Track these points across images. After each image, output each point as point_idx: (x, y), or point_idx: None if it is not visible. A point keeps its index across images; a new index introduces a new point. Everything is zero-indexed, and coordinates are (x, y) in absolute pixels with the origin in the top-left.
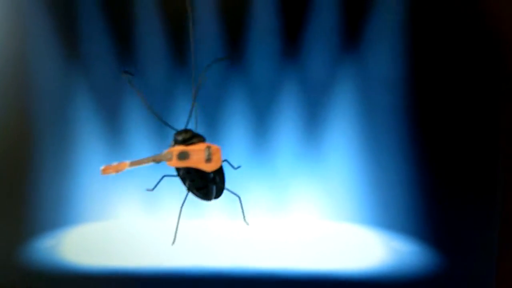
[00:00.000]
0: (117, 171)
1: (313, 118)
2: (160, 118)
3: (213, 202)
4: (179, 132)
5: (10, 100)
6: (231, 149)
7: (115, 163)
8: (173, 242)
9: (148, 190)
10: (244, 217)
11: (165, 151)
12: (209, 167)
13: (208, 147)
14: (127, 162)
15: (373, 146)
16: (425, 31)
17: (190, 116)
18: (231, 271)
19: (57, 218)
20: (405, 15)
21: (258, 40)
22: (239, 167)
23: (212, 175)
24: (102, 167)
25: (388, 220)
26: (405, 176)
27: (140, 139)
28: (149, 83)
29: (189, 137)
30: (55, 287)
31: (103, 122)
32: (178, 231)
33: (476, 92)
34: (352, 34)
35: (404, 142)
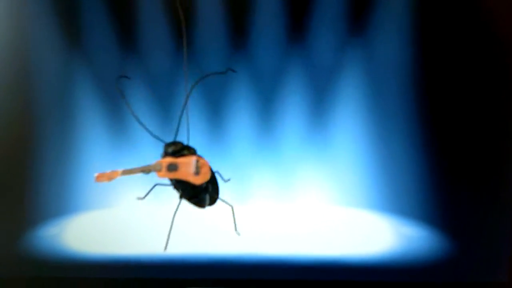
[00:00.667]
0: (109, 179)
1: (320, 103)
2: (148, 130)
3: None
4: (168, 144)
5: (13, 91)
6: (237, 136)
7: (108, 171)
8: (165, 248)
9: (139, 198)
10: (235, 227)
11: (155, 162)
12: (197, 180)
13: (197, 160)
14: (119, 170)
15: (381, 130)
16: (433, 14)
17: (178, 128)
18: (238, 257)
19: (60, 206)
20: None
21: (264, 25)
22: (229, 179)
23: (204, 184)
24: (95, 175)
25: (397, 206)
26: (414, 160)
27: (142, 130)
28: (152, 77)
29: (179, 149)
30: (59, 275)
31: (105, 111)
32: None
33: (485, 76)
34: (358, 18)
35: (413, 126)
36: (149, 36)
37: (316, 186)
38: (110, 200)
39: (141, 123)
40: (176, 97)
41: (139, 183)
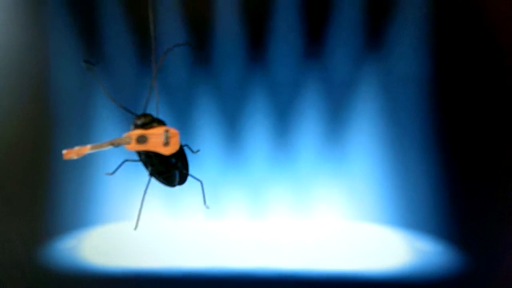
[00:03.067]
0: (78, 155)
1: (336, 117)
2: (121, 105)
3: (178, 188)
4: (138, 117)
5: (32, 106)
6: (253, 149)
7: (76, 147)
8: (135, 228)
9: (107, 174)
10: (204, 200)
11: (124, 135)
12: (166, 151)
13: (166, 131)
14: (88, 146)
15: (396, 145)
16: (448, 29)
17: (147, 101)
18: (253, 272)
19: (78, 219)
20: (428, 14)
21: (281, 38)
22: (198, 151)
23: (173, 160)
24: (64, 151)
25: (413, 221)
26: (429, 175)
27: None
28: (166, 80)
29: (149, 121)
30: (75, 287)
31: (123, 121)
32: (141, 217)
33: (502, 91)
34: (375, 33)
35: (428, 141)
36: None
37: (331, 201)
38: (127, 213)
39: (111, 97)
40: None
41: (157, 197)
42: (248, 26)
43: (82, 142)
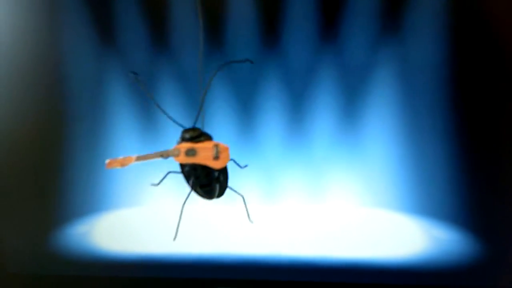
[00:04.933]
0: (122, 165)
1: (351, 103)
2: (168, 116)
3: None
4: (186, 130)
5: (44, 91)
6: (267, 135)
7: (121, 157)
8: (175, 238)
9: (153, 184)
10: (248, 215)
11: (173, 147)
12: (216, 165)
13: (216, 145)
14: (134, 156)
15: (412, 131)
16: (467, 14)
17: (198, 114)
18: (266, 258)
19: (90, 205)
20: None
21: (295, 23)
22: (246, 166)
23: (216, 174)
24: (107, 161)
25: (429, 208)
26: (447, 162)
27: (174, 126)
28: (180, 72)
29: (197, 135)
30: (87, 273)
31: (136, 109)
32: (179, 226)
33: None
34: (391, 17)
35: (445, 127)
36: (175, 31)
37: (346, 187)
38: (139, 198)
39: (161, 109)
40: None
41: (169, 182)
42: (262, 11)
43: (93, 133)
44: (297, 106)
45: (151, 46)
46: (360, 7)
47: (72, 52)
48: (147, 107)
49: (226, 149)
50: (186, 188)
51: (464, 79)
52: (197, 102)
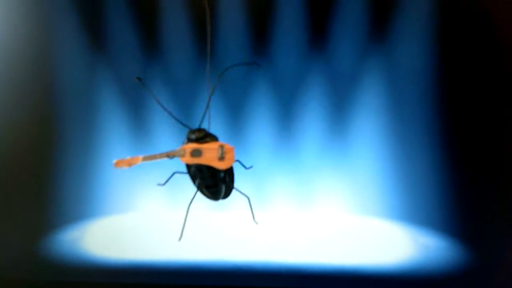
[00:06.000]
0: (129, 165)
1: (340, 110)
2: (173, 116)
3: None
4: (192, 131)
5: (35, 93)
6: (256, 142)
7: (128, 157)
8: (180, 239)
9: (159, 184)
10: (253, 217)
11: (179, 148)
12: (221, 165)
13: (221, 146)
14: (140, 156)
15: (400, 139)
16: (453, 21)
17: (204, 116)
18: (256, 265)
19: (81, 211)
20: (435, 6)
21: (284, 31)
22: (250, 167)
23: (222, 174)
24: (114, 161)
25: (416, 215)
26: (434, 169)
27: (164, 131)
28: (171, 77)
29: (202, 136)
30: (78, 279)
31: (127, 114)
32: (185, 228)
33: (506, 84)
34: (379, 25)
35: (432, 135)
36: (173, 33)
37: (334, 194)
38: (131, 204)
39: (166, 110)
40: (199, 91)
41: (160, 188)
42: (251, 19)
43: (85, 138)
44: (286, 113)
45: (143, 50)
46: (348, 15)
47: (64, 57)
48: (139, 112)
49: (231, 149)
50: (179, 193)
51: (452, 86)
52: (191, 105)
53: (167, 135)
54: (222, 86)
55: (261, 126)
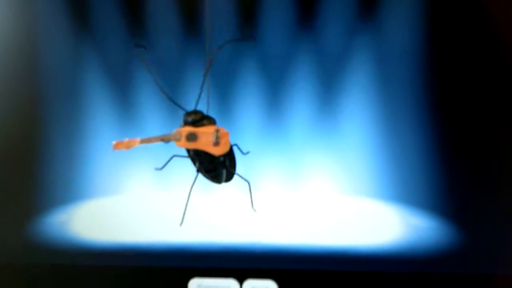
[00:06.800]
0: (127, 147)
1: (329, 89)
2: (170, 98)
3: (224, 184)
4: (189, 113)
5: (20, 77)
6: (244, 123)
7: (126, 139)
8: (181, 223)
9: (157, 169)
10: (252, 203)
11: (174, 131)
12: (216, 151)
13: (217, 130)
14: (138, 139)
15: (390, 118)
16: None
17: (199, 97)
18: (246, 246)
19: (68, 193)
20: None
21: (271, 11)
22: (248, 152)
23: (221, 158)
24: (114, 142)
25: (407, 195)
26: (424, 149)
27: (152, 114)
28: (160, 58)
29: (199, 119)
30: (67, 262)
31: (114, 97)
32: (186, 211)
33: (499, 66)
34: (368, 3)
35: (423, 114)
36: (159, 17)
37: (324, 175)
38: (119, 187)
39: (163, 90)
40: (188, 77)
41: (148, 170)
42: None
43: (72, 120)
44: (273, 94)
45: (130, 30)
46: None
47: (48, 40)
48: (126, 95)
49: (226, 134)
50: (167, 176)
51: (443, 67)
52: (182, 86)
53: (155, 118)
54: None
55: (248, 107)
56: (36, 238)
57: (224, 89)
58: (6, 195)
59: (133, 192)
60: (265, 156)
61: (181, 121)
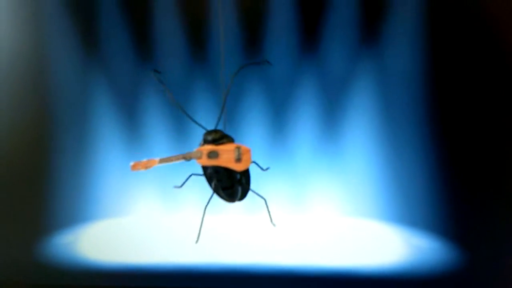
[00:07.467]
0: (146, 168)
1: (332, 113)
2: (191, 118)
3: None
4: (209, 132)
5: (30, 98)
6: (250, 145)
7: (144, 160)
8: (197, 241)
9: (176, 187)
10: (270, 218)
11: (195, 150)
12: (238, 167)
13: (238, 148)
14: (157, 159)
15: (392, 141)
16: (444, 25)
17: (220, 117)
18: (250, 267)
19: (76, 215)
20: (424, 10)
21: (277, 35)
22: (268, 168)
23: (238, 176)
24: (131, 163)
25: (409, 217)
26: (425, 172)
27: (159, 136)
28: (168, 81)
29: (219, 137)
30: (73, 283)
31: (121, 119)
32: (201, 230)
33: (500, 88)
34: (371, 29)
35: (424, 137)
36: (167, 41)
37: (327, 196)
38: (125, 208)
39: (183, 111)
40: (197, 99)
41: (155, 192)
42: (243, 22)
43: (81, 142)
44: (278, 117)
45: (139, 54)
46: (340, 19)
47: (58, 62)
48: (134, 116)
49: (248, 151)
50: (174, 199)
51: (444, 88)
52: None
53: (161, 139)
54: (217, 90)
55: (254, 129)
56: (44, 258)
57: (229, 113)
58: (15, 216)
59: (140, 214)
60: (269, 178)
61: (201, 141)
